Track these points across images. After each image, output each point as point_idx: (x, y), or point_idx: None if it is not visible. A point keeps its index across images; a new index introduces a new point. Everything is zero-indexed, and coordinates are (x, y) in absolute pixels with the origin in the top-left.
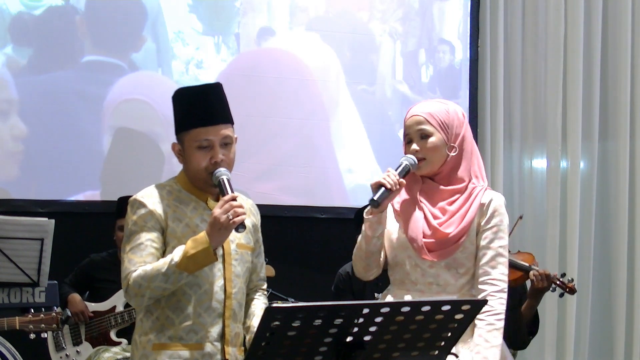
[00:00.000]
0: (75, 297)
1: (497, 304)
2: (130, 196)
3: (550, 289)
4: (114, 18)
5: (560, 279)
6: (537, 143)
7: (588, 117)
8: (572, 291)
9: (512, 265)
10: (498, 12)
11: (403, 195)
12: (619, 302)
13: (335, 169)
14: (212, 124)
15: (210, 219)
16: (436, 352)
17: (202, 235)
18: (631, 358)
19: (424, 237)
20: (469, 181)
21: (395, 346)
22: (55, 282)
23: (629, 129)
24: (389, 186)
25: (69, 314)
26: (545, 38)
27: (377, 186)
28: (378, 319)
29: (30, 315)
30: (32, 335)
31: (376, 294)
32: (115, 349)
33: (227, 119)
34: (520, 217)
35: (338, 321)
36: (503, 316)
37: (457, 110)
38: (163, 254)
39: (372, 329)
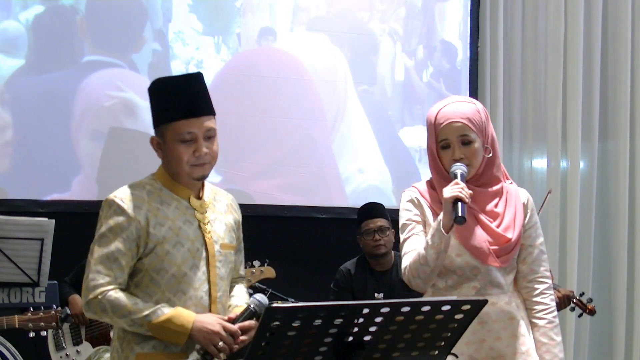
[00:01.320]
0: (76, 298)
1: (549, 300)
2: None
3: (569, 308)
4: (114, 18)
5: (579, 299)
6: (537, 143)
7: (588, 117)
8: (592, 312)
9: None
10: (498, 12)
11: None
12: (619, 302)
13: (336, 169)
14: (196, 116)
15: (211, 327)
16: (436, 352)
17: (190, 321)
18: (631, 358)
19: (490, 245)
20: (502, 180)
21: (395, 346)
22: (55, 282)
23: (629, 129)
24: (467, 200)
25: (68, 311)
26: (545, 38)
27: (454, 201)
28: (378, 319)
29: (29, 314)
30: (32, 334)
31: (376, 294)
32: None
33: (210, 110)
34: (550, 192)
35: (338, 321)
36: (557, 312)
37: (483, 108)
38: (140, 259)
39: (372, 329)
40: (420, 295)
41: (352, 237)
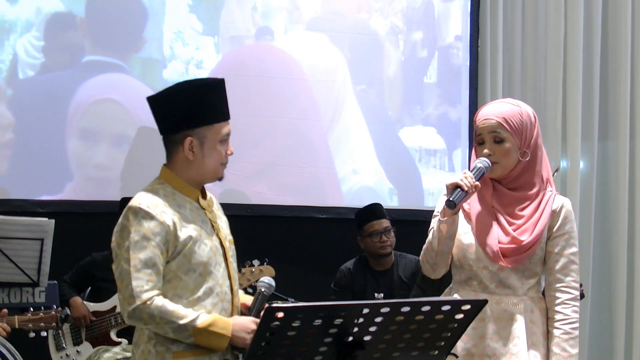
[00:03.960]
0: (77, 300)
1: (570, 311)
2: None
3: None
4: (114, 18)
5: None
6: None
7: (588, 117)
8: (581, 296)
9: None
10: (498, 13)
11: (474, 198)
12: (619, 302)
13: (336, 169)
14: (228, 119)
15: (249, 326)
16: (436, 352)
17: (230, 324)
18: (631, 358)
19: (499, 243)
20: (540, 186)
21: (395, 346)
22: (55, 282)
23: (629, 129)
24: (465, 188)
25: (68, 312)
26: (545, 38)
27: (453, 187)
28: (378, 319)
29: (29, 314)
30: (32, 334)
31: (376, 294)
32: (116, 349)
33: None
34: (557, 169)
35: (338, 321)
36: (578, 324)
37: (529, 113)
38: (167, 263)
39: (372, 329)
40: (432, 283)
41: (351, 237)
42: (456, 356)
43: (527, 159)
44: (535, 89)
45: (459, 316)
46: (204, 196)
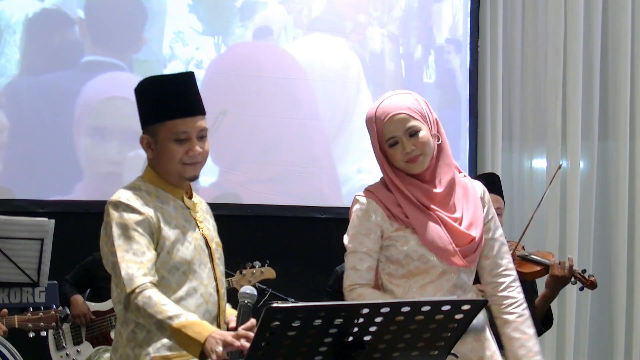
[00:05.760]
0: (78, 298)
1: (516, 293)
2: None
3: (571, 281)
4: (114, 18)
5: (581, 273)
6: (537, 143)
7: (588, 117)
8: (593, 285)
9: (532, 260)
10: (498, 12)
11: (408, 203)
12: (619, 302)
13: (336, 170)
14: (191, 116)
15: (223, 336)
16: (436, 352)
17: (208, 332)
18: (631, 358)
19: (457, 246)
20: (454, 167)
21: (395, 346)
22: (55, 282)
23: (628, 129)
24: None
25: (68, 312)
26: (545, 38)
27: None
28: (378, 319)
29: (29, 314)
30: (32, 334)
31: None
32: None
33: (202, 110)
34: (560, 167)
35: (338, 321)
36: (526, 304)
37: (420, 97)
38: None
39: (372, 329)
40: None
41: None
42: (456, 356)
43: (440, 141)
44: (535, 89)
45: (459, 316)
46: (190, 196)
